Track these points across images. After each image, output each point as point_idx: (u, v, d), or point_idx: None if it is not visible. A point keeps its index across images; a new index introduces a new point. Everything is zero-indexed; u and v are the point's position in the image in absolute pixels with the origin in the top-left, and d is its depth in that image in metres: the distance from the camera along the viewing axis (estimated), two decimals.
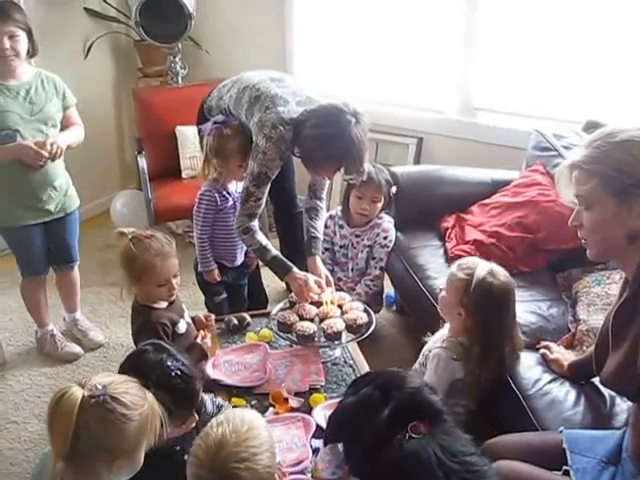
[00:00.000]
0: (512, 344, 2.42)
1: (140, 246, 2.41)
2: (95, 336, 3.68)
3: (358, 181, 2.99)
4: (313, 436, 2.32)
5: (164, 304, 2.53)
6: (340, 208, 3.52)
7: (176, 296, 2.58)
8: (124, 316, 3.79)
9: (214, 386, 2.58)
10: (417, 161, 4.27)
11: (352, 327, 2.69)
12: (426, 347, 2.55)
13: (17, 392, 3.37)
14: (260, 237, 2.94)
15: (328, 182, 3.14)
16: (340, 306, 2.82)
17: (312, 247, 3.05)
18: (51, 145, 3.07)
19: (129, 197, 4.74)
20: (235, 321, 2.95)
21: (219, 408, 2.30)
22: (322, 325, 2.69)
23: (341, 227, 3.49)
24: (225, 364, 2.72)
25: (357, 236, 3.47)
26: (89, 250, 4.29)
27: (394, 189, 3.40)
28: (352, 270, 3.52)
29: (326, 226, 3.38)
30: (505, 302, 2.36)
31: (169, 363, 1.98)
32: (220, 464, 1.53)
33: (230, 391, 2.57)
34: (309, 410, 2.45)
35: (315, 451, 2.26)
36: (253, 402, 2.53)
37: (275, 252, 2.94)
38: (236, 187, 3.12)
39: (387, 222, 3.46)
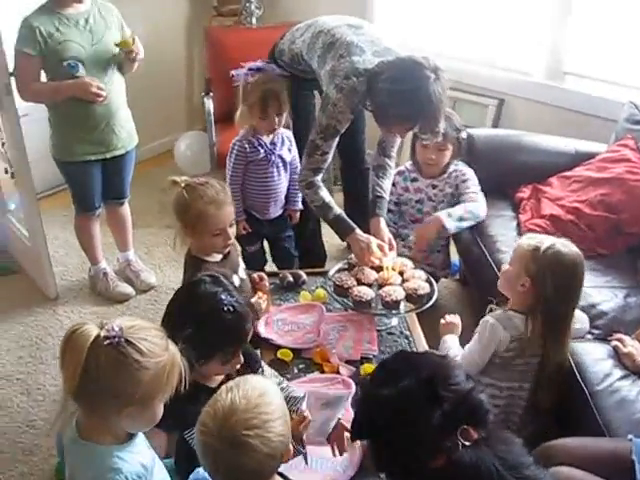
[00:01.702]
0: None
1: (193, 194, 2.30)
2: (147, 278, 3.64)
3: (432, 141, 2.79)
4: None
5: (218, 257, 2.42)
6: (410, 162, 3.31)
7: (232, 249, 2.47)
8: (178, 261, 3.69)
9: (263, 344, 2.49)
10: (496, 124, 4.02)
11: (412, 297, 2.53)
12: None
13: (66, 328, 3.32)
14: (323, 194, 2.78)
15: (399, 140, 2.95)
16: (401, 273, 2.66)
17: (377, 207, 2.88)
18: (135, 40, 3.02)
19: (194, 138, 4.67)
20: (290, 278, 2.83)
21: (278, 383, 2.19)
22: (380, 292, 2.54)
23: (414, 180, 3.25)
24: (278, 322, 2.62)
25: (434, 187, 3.22)
26: (148, 190, 4.23)
27: (464, 134, 3.18)
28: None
29: (393, 184, 3.20)
30: (574, 274, 2.18)
31: (223, 297, 1.90)
32: (229, 431, 1.42)
33: (277, 348, 2.48)
34: (360, 380, 2.32)
35: None
36: (301, 365, 2.42)
37: (338, 211, 2.78)
38: (273, 138, 3.00)
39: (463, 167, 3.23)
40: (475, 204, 3.07)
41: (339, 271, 2.73)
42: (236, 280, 2.44)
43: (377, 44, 2.68)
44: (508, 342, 2.21)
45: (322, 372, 2.39)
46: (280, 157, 3.05)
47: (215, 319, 1.86)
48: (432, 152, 3.10)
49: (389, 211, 3.26)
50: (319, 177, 2.79)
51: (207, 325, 1.84)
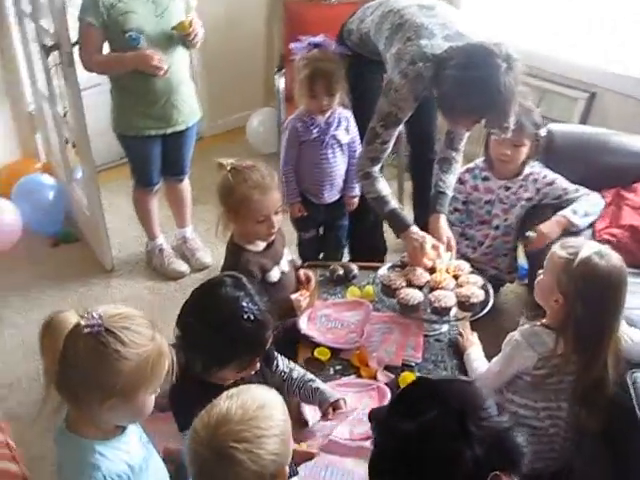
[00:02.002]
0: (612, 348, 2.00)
1: (238, 177, 2.20)
2: (202, 257, 3.57)
3: (500, 137, 2.57)
4: None
5: (261, 246, 2.31)
6: (482, 159, 3.09)
7: (277, 238, 2.35)
8: None
9: (302, 339, 2.37)
10: (584, 120, 3.71)
11: (463, 304, 2.34)
12: None
13: (116, 301, 3.32)
14: (380, 186, 2.61)
15: (468, 133, 2.74)
16: (456, 277, 2.47)
17: (438, 204, 2.68)
18: (192, 24, 2.92)
19: (267, 115, 4.57)
20: (340, 271, 2.69)
21: (290, 370, 2.09)
22: (430, 296, 2.36)
23: (485, 179, 3.01)
24: (322, 318, 2.49)
25: (507, 189, 2.97)
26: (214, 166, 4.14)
27: (544, 131, 2.93)
28: (496, 228, 3.05)
29: (462, 181, 2.99)
30: (612, 291, 1.93)
31: (244, 304, 1.79)
32: (218, 441, 1.32)
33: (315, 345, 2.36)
34: (397, 389, 2.16)
35: None
36: (337, 367, 2.28)
37: (394, 205, 2.60)
38: (328, 118, 2.85)
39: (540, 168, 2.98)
40: (594, 196, 2.84)
41: (391, 269, 2.56)
42: (276, 273, 2.32)
43: (449, 27, 2.46)
44: (535, 360, 2.00)
45: (359, 376, 2.25)
46: (335, 138, 2.90)
47: (234, 327, 1.76)
48: (507, 147, 2.86)
49: (456, 210, 3.06)
50: (377, 167, 2.62)
51: (225, 332, 1.74)
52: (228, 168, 2.20)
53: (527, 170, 2.93)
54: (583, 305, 1.90)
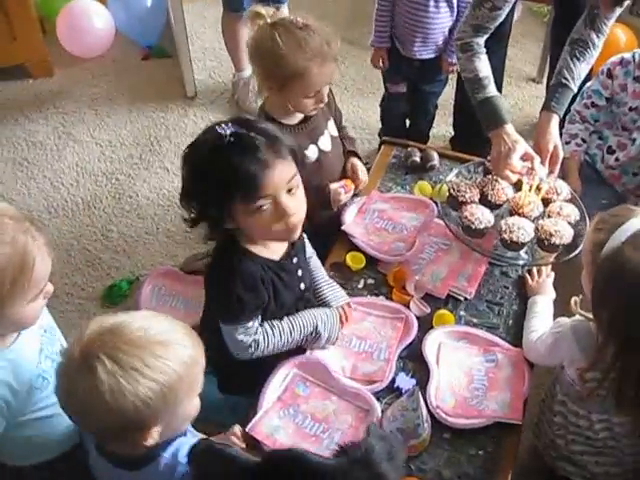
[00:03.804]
0: None
1: (290, 42, 1.70)
2: None
3: None
4: (404, 356, 1.70)
5: (297, 118, 1.86)
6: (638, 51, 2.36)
7: (319, 111, 1.88)
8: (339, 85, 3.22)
9: (341, 236, 1.96)
10: None
11: (543, 242, 1.81)
12: None
13: (187, 135, 3.04)
14: (480, 65, 2.03)
15: (619, 11, 2.03)
16: (547, 202, 1.92)
17: (554, 99, 2.04)
18: None
19: None
20: (417, 156, 2.20)
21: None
22: (502, 222, 1.84)
23: (636, 80, 2.34)
24: (374, 213, 2.05)
25: None
26: None
27: None
28: (633, 142, 2.40)
29: (610, 74, 2.32)
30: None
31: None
32: (92, 346, 1.09)
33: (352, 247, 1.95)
34: (428, 328, 1.75)
35: (397, 390, 1.61)
36: (369, 280, 1.87)
37: (491, 93, 2.02)
38: None
39: None
40: None
41: (465, 172, 2.04)
42: (312, 152, 1.89)
43: None
44: (582, 363, 1.49)
45: (390, 299, 1.83)
46: None
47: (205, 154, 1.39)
48: None
49: (593, 105, 2.40)
50: (481, 39, 2.04)
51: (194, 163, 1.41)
52: (276, 26, 1.70)
53: None
54: (607, 307, 1.37)
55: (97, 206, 2.76)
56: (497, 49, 2.55)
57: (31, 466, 1.46)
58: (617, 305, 1.35)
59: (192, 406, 1.21)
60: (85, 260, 2.56)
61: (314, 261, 1.77)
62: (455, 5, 2.45)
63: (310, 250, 1.75)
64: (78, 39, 3.38)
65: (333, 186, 1.92)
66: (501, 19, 2.03)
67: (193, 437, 1.30)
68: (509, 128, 1.96)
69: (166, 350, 1.11)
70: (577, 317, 1.55)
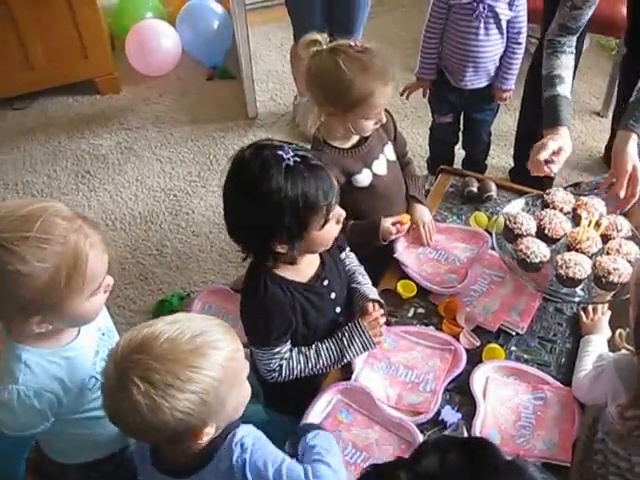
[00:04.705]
0: None
1: (355, 66, 1.69)
2: None
3: None
4: (451, 389, 1.66)
5: (350, 142, 1.86)
6: None
7: (374, 133, 1.88)
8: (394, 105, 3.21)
9: (393, 263, 1.94)
10: None
11: (600, 280, 1.76)
12: None
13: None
14: (557, 63, 2.03)
15: None
16: (606, 238, 1.87)
17: (633, 117, 1.91)
18: None
19: None
20: (474, 186, 2.17)
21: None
22: (558, 258, 1.80)
23: None
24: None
25: None
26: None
27: None
28: None
29: None
30: None
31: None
32: (124, 367, 1.08)
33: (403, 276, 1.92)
34: (477, 362, 1.71)
35: (441, 423, 1.58)
36: (419, 309, 1.85)
37: (558, 92, 1.99)
38: None
39: None
40: None
41: (527, 205, 2.01)
42: (365, 177, 1.88)
43: None
44: (624, 398, 1.42)
45: (439, 329, 1.80)
46: (492, 9, 2.36)
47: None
48: None
49: None
50: (567, 40, 2.05)
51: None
52: (329, 49, 1.70)
53: None
54: None
55: (154, 221, 2.81)
56: None
57: (78, 464, 1.48)
58: None
59: (242, 395, 1.21)
60: (138, 274, 2.60)
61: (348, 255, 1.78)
62: (505, 30, 2.41)
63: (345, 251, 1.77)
64: (145, 58, 3.48)
65: (385, 224, 1.87)
66: (583, 20, 2.03)
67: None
68: (563, 130, 1.93)
69: (199, 358, 1.09)
70: (622, 351, 1.50)
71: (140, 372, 1.06)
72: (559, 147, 1.89)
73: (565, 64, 2.04)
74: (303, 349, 1.60)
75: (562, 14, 2.05)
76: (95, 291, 1.24)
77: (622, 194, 1.86)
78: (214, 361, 1.11)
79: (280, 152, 1.39)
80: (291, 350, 1.58)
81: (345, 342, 1.61)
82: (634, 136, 1.91)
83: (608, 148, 3.13)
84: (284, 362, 1.57)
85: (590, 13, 2.03)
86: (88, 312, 1.27)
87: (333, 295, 1.63)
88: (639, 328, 1.35)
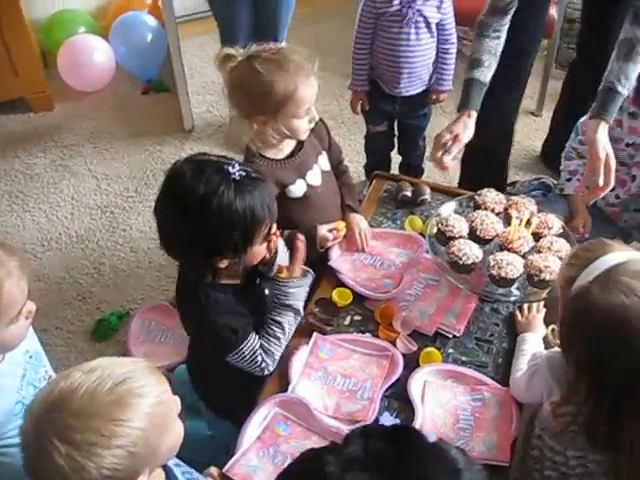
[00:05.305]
0: None
1: (273, 67, 1.69)
2: None
3: None
4: (389, 395, 1.66)
5: (283, 152, 1.85)
6: (635, 86, 2.31)
7: (307, 141, 1.87)
8: (335, 119, 3.21)
9: (328, 271, 1.93)
10: None
11: (532, 278, 1.77)
12: None
13: None
14: (481, 46, 2.06)
15: None
16: (538, 236, 1.89)
17: (601, 105, 1.95)
18: None
19: None
20: (408, 191, 2.17)
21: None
22: (490, 258, 1.81)
23: (633, 116, 2.18)
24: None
25: None
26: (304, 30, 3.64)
27: None
28: (633, 179, 2.28)
29: None
30: (611, 336, 1.25)
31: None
32: (42, 427, 1.00)
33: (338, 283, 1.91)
34: (414, 366, 1.70)
35: None
36: (356, 317, 1.84)
37: (474, 75, 2.04)
38: None
39: None
40: None
41: (461, 207, 2.02)
42: (299, 188, 1.86)
43: None
44: (557, 396, 1.43)
45: (376, 336, 1.80)
46: (421, 14, 2.36)
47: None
48: None
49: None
50: (494, 21, 2.06)
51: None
52: (247, 57, 1.71)
53: None
54: (577, 353, 1.32)
55: (90, 239, 2.75)
56: (514, 89, 2.54)
57: None
58: (584, 346, 1.30)
59: (175, 435, 1.13)
60: (76, 294, 2.54)
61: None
62: (435, 33, 2.43)
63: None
64: (79, 73, 3.42)
65: (322, 231, 1.87)
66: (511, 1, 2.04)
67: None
68: (467, 113, 2.00)
69: (122, 409, 1.01)
70: (555, 349, 1.51)
71: (59, 432, 0.98)
72: (455, 135, 1.96)
73: (487, 48, 2.06)
74: (266, 331, 1.63)
75: None
76: (15, 318, 1.21)
77: (601, 181, 1.88)
78: (139, 410, 1.03)
79: (227, 167, 1.41)
80: (259, 338, 1.61)
81: (286, 300, 1.64)
82: (603, 123, 1.95)
83: (545, 146, 3.18)
84: (262, 351, 1.59)
85: None
86: (9, 339, 1.24)
87: (267, 291, 1.66)
88: (564, 328, 1.36)
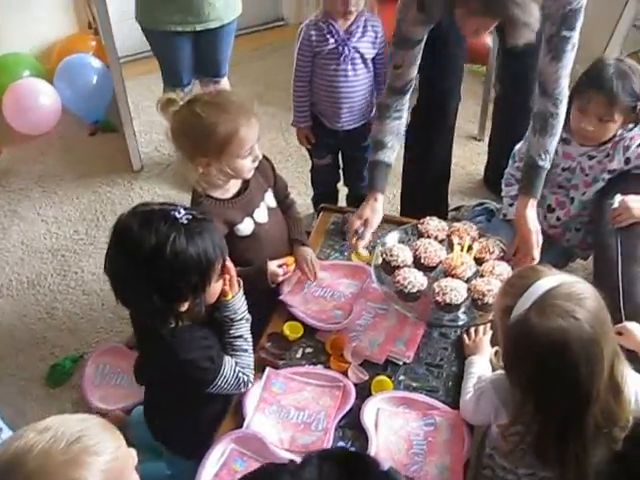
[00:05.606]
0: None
1: (213, 109, 1.73)
2: None
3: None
4: (343, 425, 1.69)
5: (230, 191, 1.88)
6: None
7: (253, 180, 1.91)
8: (283, 153, 3.26)
9: (280, 305, 1.96)
10: None
11: (476, 302, 1.83)
12: None
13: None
14: (381, 127, 2.10)
15: (563, 74, 1.97)
16: (480, 261, 1.95)
17: (528, 182, 2.07)
18: None
19: None
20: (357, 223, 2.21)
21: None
22: (435, 285, 1.87)
23: (565, 142, 2.31)
24: (312, 282, 2.04)
25: (590, 158, 2.29)
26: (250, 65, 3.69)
27: None
28: (572, 201, 2.41)
29: None
30: (558, 368, 1.32)
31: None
32: None
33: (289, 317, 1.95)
34: (367, 395, 1.74)
35: None
36: (307, 349, 1.87)
37: (379, 157, 2.10)
38: (350, 26, 2.41)
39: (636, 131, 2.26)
40: None
41: (407, 235, 2.07)
42: (247, 226, 1.89)
43: None
44: (504, 417, 1.48)
45: (328, 367, 1.83)
46: (357, 51, 2.43)
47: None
48: (591, 122, 2.16)
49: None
50: (394, 101, 2.09)
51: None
52: (188, 101, 1.75)
53: (622, 136, 2.25)
54: (521, 377, 1.38)
55: (42, 284, 2.74)
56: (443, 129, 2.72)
57: None
58: (527, 370, 1.35)
59: None
60: (29, 340, 2.52)
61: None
62: (371, 67, 2.49)
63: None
64: (25, 117, 3.42)
65: (272, 267, 1.90)
66: (407, 79, 2.07)
67: None
68: (374, 197, 2.07)
69: (77, 469, 1.00)
70: (499, 371, 1.56)
71: None
72: (365, 220, 2.04)
73: (389, 129, 2.11)
74: (233, 349, 1.67)
75: (389, 75, 2.10)
76: None
77: (536, 254, 1.96)
78: (95, 468, 1.01)
79: (173, 213, 1.43)
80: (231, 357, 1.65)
81: (238, 315, 1.67)
82: (532, 200, 2.05)
83: (487, 170, 3.28)
84: (239, 368, 1.64)
85: (412, 73, 2.07)
86: None
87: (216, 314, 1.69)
88: (506, 354, 1.41)
